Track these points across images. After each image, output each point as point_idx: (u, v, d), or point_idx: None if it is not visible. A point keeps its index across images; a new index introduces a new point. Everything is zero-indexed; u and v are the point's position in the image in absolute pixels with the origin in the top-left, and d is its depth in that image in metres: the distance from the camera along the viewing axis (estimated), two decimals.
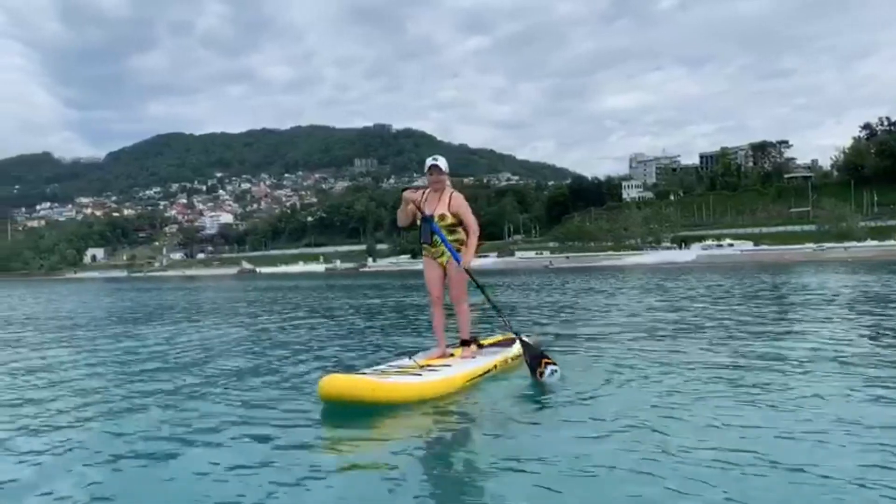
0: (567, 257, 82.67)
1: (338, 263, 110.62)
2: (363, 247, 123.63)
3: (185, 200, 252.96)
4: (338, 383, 4.39)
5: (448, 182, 5.88)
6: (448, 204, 5.72)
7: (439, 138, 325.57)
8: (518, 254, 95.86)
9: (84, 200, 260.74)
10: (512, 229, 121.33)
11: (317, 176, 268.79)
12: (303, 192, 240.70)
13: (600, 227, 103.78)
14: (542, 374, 5.16)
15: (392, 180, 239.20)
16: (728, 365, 5.74)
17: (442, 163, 5.82)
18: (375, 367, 5.27)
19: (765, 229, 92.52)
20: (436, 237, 5.67)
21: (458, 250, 5.66)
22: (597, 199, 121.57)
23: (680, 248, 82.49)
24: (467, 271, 5.67)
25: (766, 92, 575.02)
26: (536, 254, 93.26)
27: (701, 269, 41.72)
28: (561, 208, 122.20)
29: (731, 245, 76.61)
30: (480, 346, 6.18)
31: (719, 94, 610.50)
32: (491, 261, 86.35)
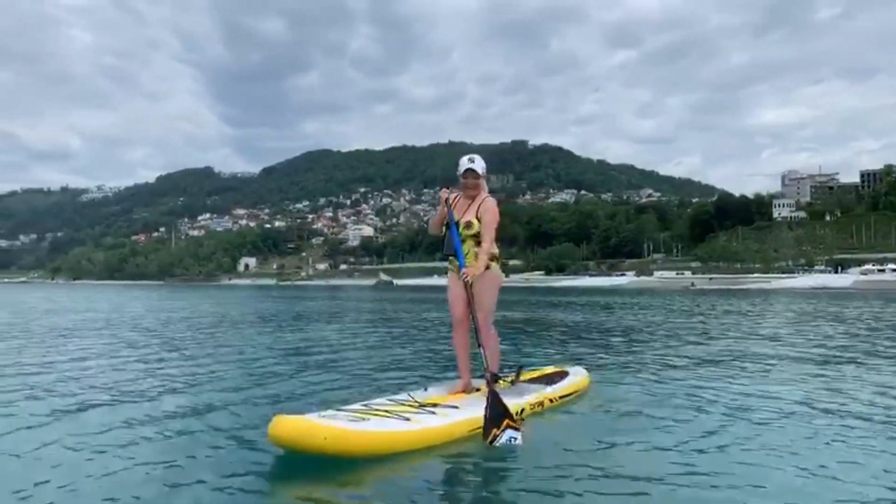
0: (710, 278, 78.81)
1: None
2: None
3: (330, 213, 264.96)
4: (283, 427, 3.53)
5: (485, 186, 5.19)
6: (477, 211, 5.02)
7: (577, 153, 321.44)
8: (657, 273, 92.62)
9: (240, 212, 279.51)
10: (651, 248, 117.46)
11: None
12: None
13: (748, 247, 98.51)
14: (495, 437, 4.06)
15: (528, 196, 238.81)
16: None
17: (479, 165, 5.09)
18: (366, 402, 4.42)
19: None
20: (463, 248, 4.98)
21: (486, 267, 4.93)
22: (744, 218, 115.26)
23: (836, 272, 76.57)
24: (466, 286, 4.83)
25: None
26: (677, 274, 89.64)
27: (859, 295, 38.50)
28: (705, 226, 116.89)
29: None
30: (513, 382, 5.20)
31: (887, 108, 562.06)
32: (626, 280, 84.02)
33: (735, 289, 57.24)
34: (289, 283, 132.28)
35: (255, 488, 3.26)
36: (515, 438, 4.09)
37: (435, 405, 4.40)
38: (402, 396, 4.67)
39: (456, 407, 4.38)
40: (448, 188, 5.18)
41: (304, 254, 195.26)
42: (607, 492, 3.19)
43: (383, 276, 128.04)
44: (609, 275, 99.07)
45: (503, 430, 4.12)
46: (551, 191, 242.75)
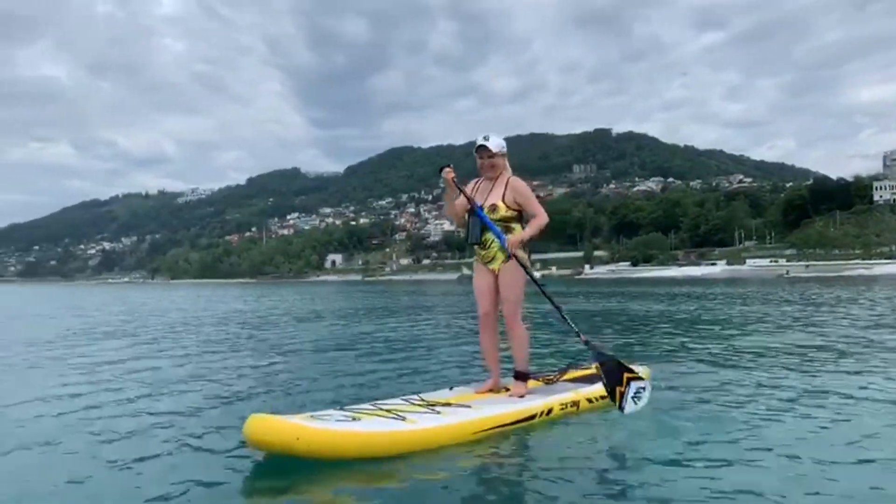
0: (807, 266, 75.22)
1: (553, 270, 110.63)
2: (580, 253, 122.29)
3: (413, 210, 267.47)
4: (255, 427, 3.32)
5: (506, 166, 4.75)
6: (503, 193, 4.57)
7: (663, 140, 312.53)
8: (749, 262, 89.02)
9: (326, 210, 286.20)
10: (743, 235, 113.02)
11: (535, 183, 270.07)
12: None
13: (846, 232, 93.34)
14: (622, 397, 3.77)
15: (612, 185, 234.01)
16: None
17: (493, 142, 4.63)
18: (375, 402, 4.16)
19: None
20: (487, 236, 4.56)
21: (515, 255, 4.52)
22: (843, 202, 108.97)
23: None
24: (524, 267, 4.47)
25: None
26: (770, 262, 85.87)
27: None
28: (799, 212, 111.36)
29: None
30: (551, 381, 4.86)
31: None
32: (719, 269, 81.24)
33: (833, 276, 54.47)
34: (374, 278, 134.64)
35: (233, 489, 3.16)
36: (643, 389, 3.85)
37: (447, 405, 4.11)
38: (416, 396, 4.37)
39: (468, 406, 4.08)
40: (451, 166, 4.67)
41: (387, 249, 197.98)
42: None
43: (465, 271, 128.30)
44: (698, 264, 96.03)
45: (627, 386, 3.81)
46: (636, 179, 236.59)
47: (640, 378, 3.86)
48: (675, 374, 6.07)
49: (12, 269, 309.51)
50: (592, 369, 5.21)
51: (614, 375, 3.90)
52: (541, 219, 4.50)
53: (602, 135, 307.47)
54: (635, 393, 3.78)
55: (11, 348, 9.49)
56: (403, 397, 4.36)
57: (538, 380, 4.85)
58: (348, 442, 3.42)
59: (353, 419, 3.62)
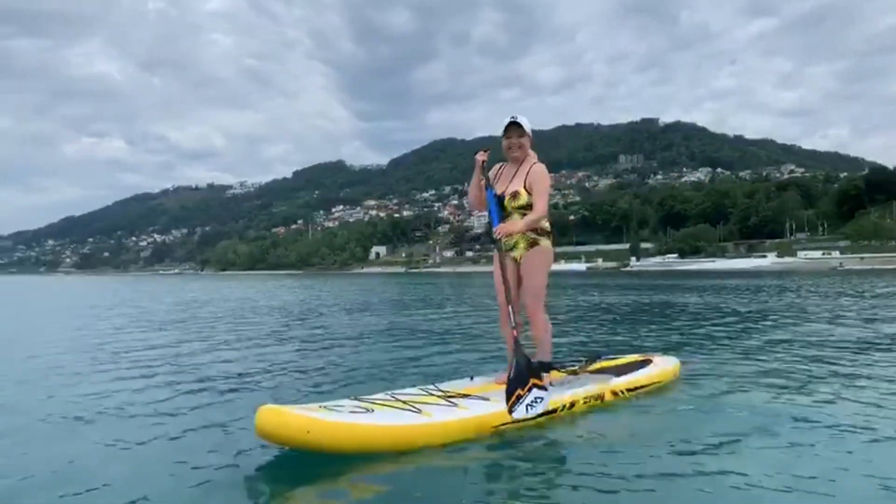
0: (861, 258, 73.01)
1: (600, 262, 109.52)
2: (626, 245, 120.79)
3: (456, 202, 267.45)
4: (265, 419, 3.19)
5: (531, 151, 4.50)
6: (525, 179, 4.35)
7: (712, 129, 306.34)
8: (801, 254, 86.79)
9: (370, 203, 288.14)
10: (794, 227, 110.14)
11: (580, 174, 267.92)
12: (566, 191, 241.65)
13: None
14: (518, 399, 3.60)
15: (659, 176, 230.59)
16: None
17: (524, 122, 4.39)
18: (392, 392, 4.02)
19: None
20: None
21: (535, 243, 4.35)
22: None
23: None
24: (491, 238, 4.26)
25: None
26: (823, 254, 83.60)
27: None
28: (854, 203, 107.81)
29: None
30: (575, 373, 4.65)
31: None
32: (769, 261, 79.44)
33: (890, 269, 52.75)
34: (417, 270, 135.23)
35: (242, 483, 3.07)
36: (541, 399, 3.61)
37: (465, 396, 3.91)
38: (433, 386, 4.19)
39: (486, 399, 3.85)
40: (487, 150, 4.49)
41: (431, 242, 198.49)
42: None
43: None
44: (748, 256, 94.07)
45: (528, 391, 3.61)
46: (684, 170, 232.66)
47: (543, 388, 3.68)
48: (719, 367, 5.94)
49: (68, 260, 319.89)
50: (627, 359, 5.24)
51: (521, 377, 3.70)
52: (537, 213, 4.28)
53: (649, 125, 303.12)
54: (533, 400, 3.59)
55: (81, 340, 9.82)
56: (421, 387, 4.20)
57: (561, 371, 4.68)
58: (360, 435, 3.29)
59: (367, 410, 3.50)
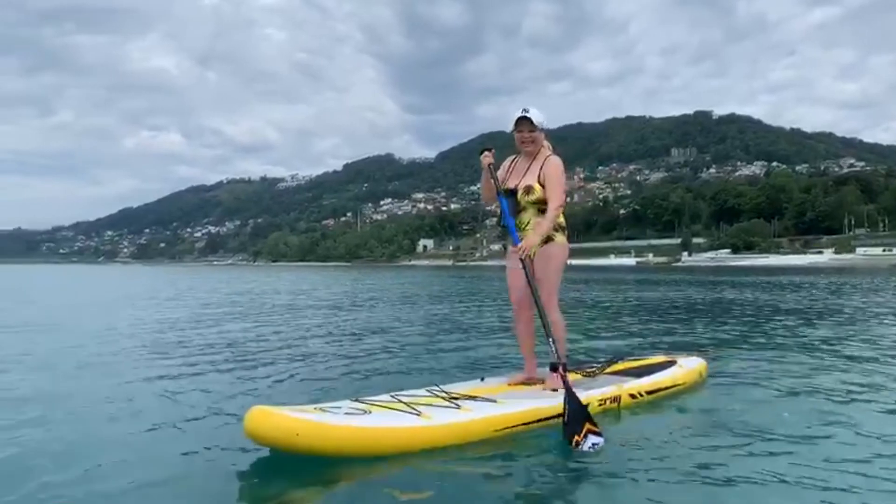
0: None
1: (650, 257, 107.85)
2: (678, 240, 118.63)
3: None
4: (255, 420, 3.09)
5: (546, 144, 4.37)
6: (539, 173, 4.21)
7: (767, 122, 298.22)
8: (859, 250, 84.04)
9: (418, 196, 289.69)
10: (853, 222, 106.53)
11: (631, 167, 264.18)
12: (616, 185, 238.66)
13: None
14: (577, 444, 3.46)
15: (712, 170, 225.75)
16: None
17: (535, 115, 4.23)
18: (396, 393, 3.87)
19: None
20: (522, 217, 4.24)
21: (549, 239, 4.19)
22: None
23: None
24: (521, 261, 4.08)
25: None
26: (883, 250, 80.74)
27: None
28: None
29: None
30: (591, 374, 4.54)
31: None
32: (826, 257, 77.14)
33: None
34: (464, 263, 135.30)
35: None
36: (598, 444, 3.50)
37: (472, 398, 3.80)
38: (439, 387, 4.05)
39: (493, 401, 3.75)
40: (491, 150, 4.35)
41: (478, 235, 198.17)
42: None
43: None
44: (804, 252, 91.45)
45: (585, 437, 3.50)
46: (738, 163, 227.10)
47: (598, 434, 3.53)
48: (756, 369, 5.67)
49: (126, 250, 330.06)
50: (641, 362, 5.03)
51: (577, 424, 3.56)
52: (554, 209, 4.13)
53: (702, 117, 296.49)
54: (591, 447, 3.45)
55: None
56: (428, 388, 4.05)
57: (577, 372, 4.53)
58: (352, 438, 3.17)
59: (364, 412, 3.39)
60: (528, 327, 4.45)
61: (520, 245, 4.06)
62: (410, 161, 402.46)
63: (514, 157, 4.46)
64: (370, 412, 3.40)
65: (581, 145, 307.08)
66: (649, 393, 4.31)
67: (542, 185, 4.18)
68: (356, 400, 3.67)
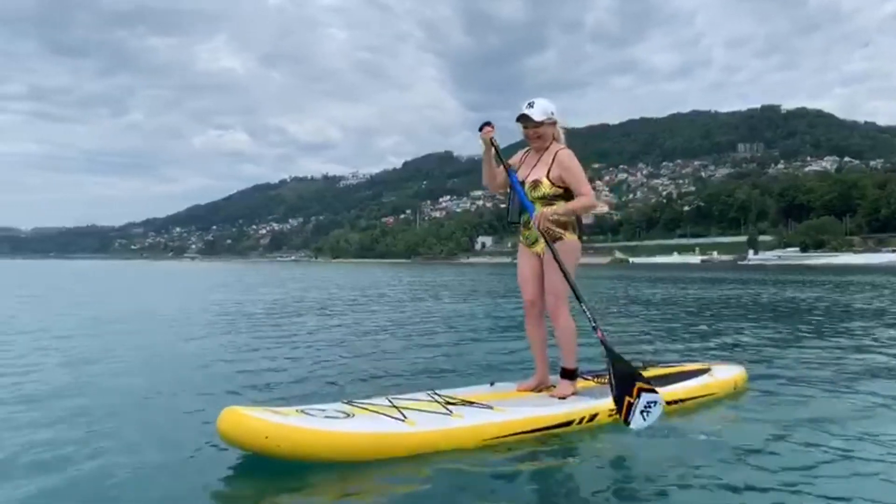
0: None
1: (715, 255, 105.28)
2: (743, 238, 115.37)
3: None
4: (227, 422, 3.01)
5: (554, 136, 4.14)
6: (549, 167, 4.00)
7: (839, 116, 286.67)
8: None
9: (476, 193, 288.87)
10: None
11: (696, 163, 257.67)
12: (680, 181, 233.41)
13: None
14: (630, 409, 3.26)
15: (780, 165, 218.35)
16: None
17: (537, 110, 4.00)
18: (394, 396, 3.71)
19: None
20: (526, 215, 4.02)
21: (560, 237, 3.96)
22: None
23: None
24: (545, 237, 3.86)
25: None
26: None
27: None
28: None
29: None
30: (605, 383, 3.97)
31: None
32: (890, 258, 73.91)
33: None
34: None
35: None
36: (654, 403, 3.27)
37: (468, 404, 3.64)
38: (436, 392, 3.87)
39: (489, 408, 3.58)
40: (492, 126, 4.09)
41: None
42: None
43: (618, 254, 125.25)
44: (878, 251, 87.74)
45: (638, 396, 3.26)
46: (808, 159, 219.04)
47: (653, 391, 3.31)
48: (804, 377, 5.33)
49: (193, 247, 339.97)
50: (671, 369, 4.74)
51: (626, 383, 3.36)
52: (586, 199, 3.94)
53: (770, 112, 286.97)
54: (645, 406, 3.23)
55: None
56: (427, 391, 3.90)
57: (591, 380, 4.29)
58: (325, 443, 3.06)
59: (347, 416, 3.29)
60: (540, 329, 4.25)
61: (535, 215, 3.88)
62: (469, 158, 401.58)
63: (526, 149, 4.27)
64: (353, 416, 3.31)
65: (644, 140, 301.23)
66: (669, 403, 3.86)
67: (551, 181, 3.97)
68: (347, 402, 3.56)
